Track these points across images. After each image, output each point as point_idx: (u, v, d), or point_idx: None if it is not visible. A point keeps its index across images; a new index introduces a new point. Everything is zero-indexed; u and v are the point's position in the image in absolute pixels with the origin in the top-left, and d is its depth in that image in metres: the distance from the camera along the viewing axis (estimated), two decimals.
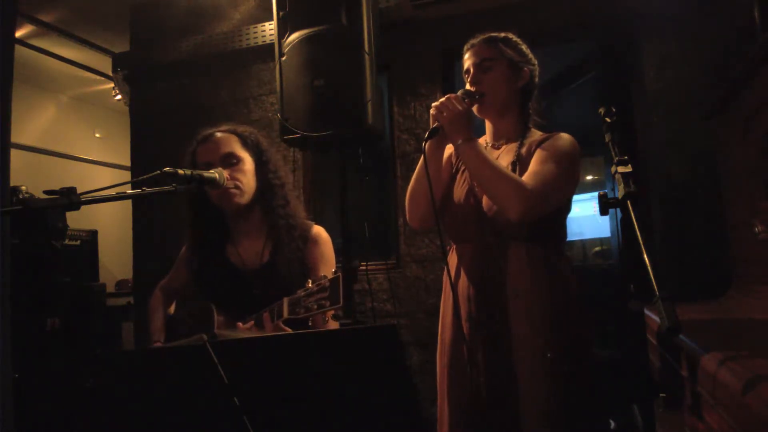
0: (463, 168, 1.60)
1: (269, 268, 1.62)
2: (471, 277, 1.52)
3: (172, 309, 1.81)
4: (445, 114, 1.45)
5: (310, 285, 1.37)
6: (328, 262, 1.67)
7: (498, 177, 1.40)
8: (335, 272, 1.33)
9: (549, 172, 1.43)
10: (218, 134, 1.66)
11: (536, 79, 1.63)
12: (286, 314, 1.40)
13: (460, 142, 1.45)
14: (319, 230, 1.71)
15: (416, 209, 1.60)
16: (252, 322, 1.49)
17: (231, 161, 1.62)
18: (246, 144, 1.67)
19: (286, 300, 1.41)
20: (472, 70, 1.58)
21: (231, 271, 1.65)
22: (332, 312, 1.35)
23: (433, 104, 1.48)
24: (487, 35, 1.60)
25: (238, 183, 1.61)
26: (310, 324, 1.38)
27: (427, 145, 1.49)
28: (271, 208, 1.65)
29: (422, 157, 1.51)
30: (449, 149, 1.62)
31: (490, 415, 1.44)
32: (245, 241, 1.68)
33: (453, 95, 1.49)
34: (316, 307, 1.33)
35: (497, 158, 1.55)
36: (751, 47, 1.64)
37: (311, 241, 1.66)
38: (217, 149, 1.62)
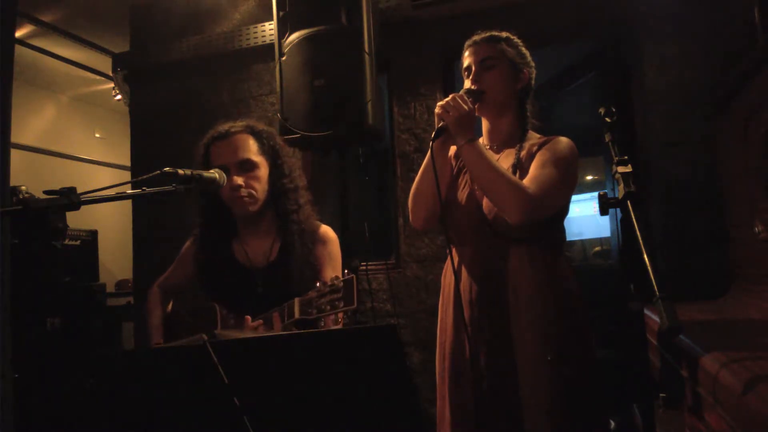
0: (464, 170, 1.60)
1: (276, 266, 1.61)
2: (472, 279, 1.52)
3: (169, 307, 1.80)
4: (450, 113, 1.44)
5: (320, 285, 1.35)
6: (334, 262, 1.67)
7: (500, 180, 1.40)
8: (348, 273, 1.32)
9: (549, 177, 1.43)
10: (235, 134, 1.62)
11: (533, 82, 1.63)
12: (297, 315, 1.38)
13: (463, 142, 1.45)
14: (326, 230, 1.70)
15: (420, 209, 1.59)
16: (261, 321, 1.47)
17: (246, 167, 1.60)
18: (263, 147, 1.65)
19: (297, 300, 1.39)
20: (473, 68, 1.57)
21: (237, 268, 1.64)
22: (343, 314, 1.33)
23: (439, 103, 1.47)
24: (488, 34, 1.59)
25: (251, 191, 1.59)
26: (322, 325, 1.37)
27: (434, 145, 1.49)
28: (283, 212, 1.64)
29: (428, 156, 1.50)
30: (450, 151, 1.61)
31: (492, 417, 1.44)
32: (253, 239, 1.67)
33: (458, 94, 1.47)
34: (329, 307, 1.31)
35: (497, 161, 1.55)
36: (751, 47, 1.65)
37: (319, 241, 1.66)
38: (234, 153, 1.60)
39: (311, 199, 1.72)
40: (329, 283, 1.34)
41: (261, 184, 1.62)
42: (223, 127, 1.65)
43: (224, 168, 1.56)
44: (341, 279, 1.32)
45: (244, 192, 1.58)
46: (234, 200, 1.59)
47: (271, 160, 1.66)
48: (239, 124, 1.66)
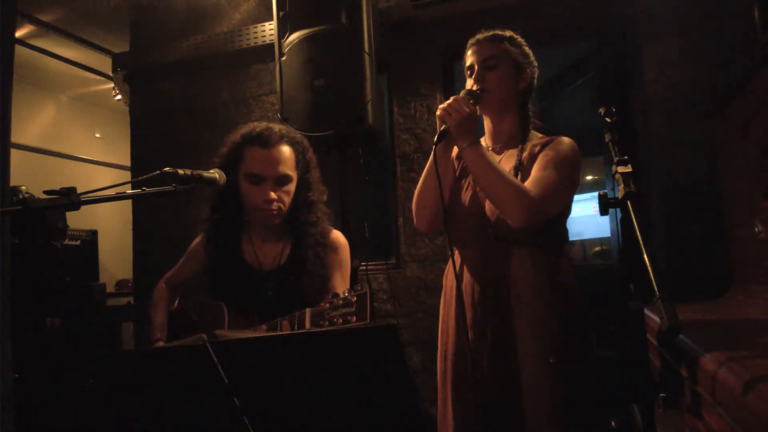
0: (467, 172, 1.59)
1: (286, 270, 1.60)
2: (474, 281, 1.52)
3: (175, 304, 1.78)
4: (452, 116, 1.43)
5: (333, 298, 1.33)
6: (344, 269, 1.66)
7: (501, 182, 1.40)
8: (361, 288, 1.31)
9: (550, 179, 1.43)
10: (277, 145, 1.57)
11: (535, 82, 1.62)
12: (308, 325, 1.36)
13: (465, 145, 1.44)
14: (337, 236, 1.68)
15: (424, 212, 1.59)
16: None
17: (282, 181, 1.57)
18: (297, 159, 1.62)
19: (308, 311, 1.37)
20: (476, 68, 1.56)
21: (245, 270, 1.62)
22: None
23: (440, 106, 1.47)
24: (491, 33, 1.59)
25: (281, 205, 1.57)
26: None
27: (436, 148, 1.48)
28: (302, 224, 1.62)
29: (431, 159, 1.49)
30: (453, 152, 1.61)
31: (494, 417, 1.44)
32: (263, 241, 1.65)
33: (459, 97, 1.47)
34: (341, 320, 1.29)
35: (499, 163, 1.55)
36: (751, 47, 1.65)
37: (330, 247, 1.64)
38: (275, 167, 1.56)
39: (327, 211, 1.70)
40: (342, 296, 1.32)
41: (290, 197, 1.60)
42: (260, 128, 1.60)
43: (259, 177, 1.55)
44: (354, 293, 1.30)
45: (275, 206, 1.56)
46: (263, 212, 1.57)
47: (301, 172, 1.63)
48: (277, 129, 1.61)
